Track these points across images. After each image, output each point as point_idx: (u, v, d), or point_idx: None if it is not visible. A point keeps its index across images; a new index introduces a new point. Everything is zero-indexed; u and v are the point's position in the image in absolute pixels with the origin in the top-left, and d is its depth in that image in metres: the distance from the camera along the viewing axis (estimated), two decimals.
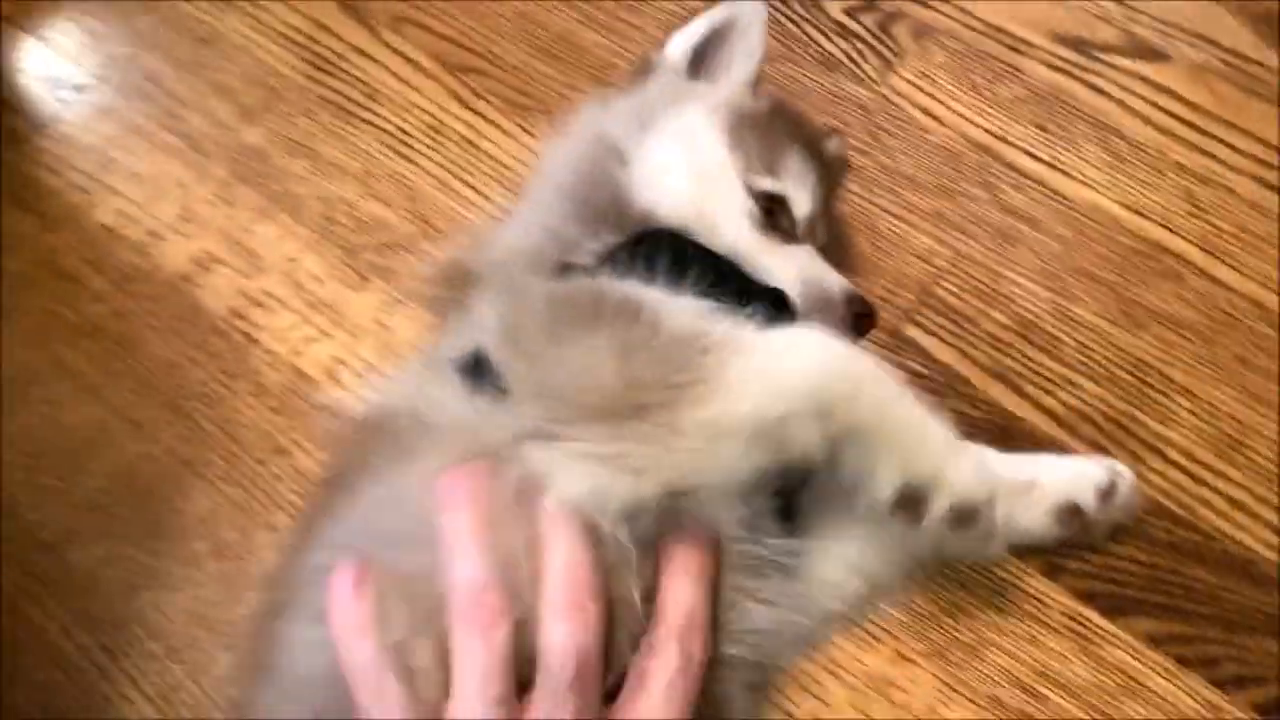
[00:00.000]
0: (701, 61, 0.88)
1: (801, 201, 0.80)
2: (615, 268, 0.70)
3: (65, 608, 0.85)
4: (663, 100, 0.83)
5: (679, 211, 0.76)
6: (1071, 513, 0.72)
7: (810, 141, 0.84)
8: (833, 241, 0.88)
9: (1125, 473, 0.75)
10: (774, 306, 0.71)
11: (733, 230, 0.77)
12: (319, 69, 1.07)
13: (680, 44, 0.88)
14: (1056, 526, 0.72)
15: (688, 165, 0.79)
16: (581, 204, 0.78)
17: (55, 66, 1.09)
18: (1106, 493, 0.73)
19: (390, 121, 1.04)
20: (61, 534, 0.87)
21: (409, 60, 1.07)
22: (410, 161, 1.02)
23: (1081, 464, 0.75)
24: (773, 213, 0.78)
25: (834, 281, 0.77)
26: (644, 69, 0.89)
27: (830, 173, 0.87)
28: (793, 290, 0.74)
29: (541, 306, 0.66)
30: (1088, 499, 0.72)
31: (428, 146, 1.03)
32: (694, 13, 0.95)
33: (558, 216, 0.78)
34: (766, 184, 0.79)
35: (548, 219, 0.78)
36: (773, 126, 0.82)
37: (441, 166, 1.02)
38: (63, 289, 0.97)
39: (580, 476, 0.59)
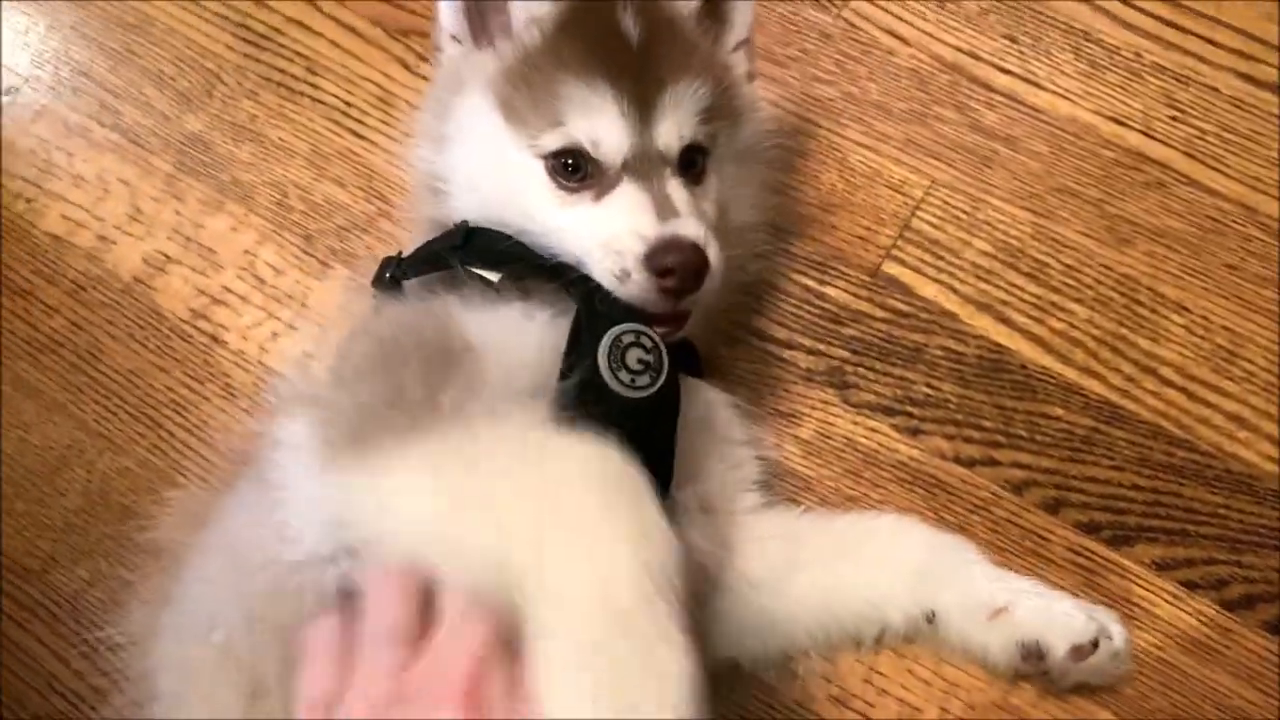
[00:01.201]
0: (481, 13, 0.76)
1: (602, 135, 0.68)
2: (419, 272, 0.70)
3: (56, 634, 0.83)
4: (448, 98, 0.75)
5: (487, 219, 0.72)
6: (1035, 654, 0.71)
7: (607, 33, 0.70)
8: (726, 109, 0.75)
9: (1118, 636, 0.72)
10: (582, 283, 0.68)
11: (532, 210, 0.70)
12: (256, 45, 1.03)
13: (445, 8, 0.76)
14: (1017, 660, 0.71)
15: (476, 175, 0.73)
16: (431, 226, 0.76)
17: None
18: (1081, 650, 0.70)
19: (335, 95, 1.00)
20: (44, 559, 0.86)
21: (347, 27, 1.03)
22: (360, 137, 0.98)
23: (1072, 609, 0.72)
24: (576, 165, 0.69)
25: (633, 242, 0.66)
26: (435, 46, 0.80)
27: (668, 42, 0.72)
28: (588, 263, 0.68)
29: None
30: (1057, 649, 0.70)
31: (378, 120, 0.99)
32: None
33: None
34: (550, 140, 0.69)
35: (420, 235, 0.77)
36: (545, 62, 0.70)
37: (394, 140, 0.98)
38: (16, 304, 0.94)
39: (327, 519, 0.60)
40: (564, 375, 0.63)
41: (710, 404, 0.75)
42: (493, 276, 0.68)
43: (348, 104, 1.00)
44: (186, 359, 0.91)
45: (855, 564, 0.74)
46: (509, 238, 0.71)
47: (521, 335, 0.66)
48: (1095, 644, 0.70)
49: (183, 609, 0.65)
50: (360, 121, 0.99)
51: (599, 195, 0.69)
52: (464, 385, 0.59)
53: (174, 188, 0.97)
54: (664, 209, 0.67)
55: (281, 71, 1.01)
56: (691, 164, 0.72)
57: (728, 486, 0.75)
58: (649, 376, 0.64)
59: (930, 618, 0.73)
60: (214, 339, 0.92)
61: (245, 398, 0.89)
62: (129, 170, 0.98)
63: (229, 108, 1.00)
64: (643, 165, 0.69)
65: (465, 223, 0.72)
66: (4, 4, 1.07)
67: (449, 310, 0.66)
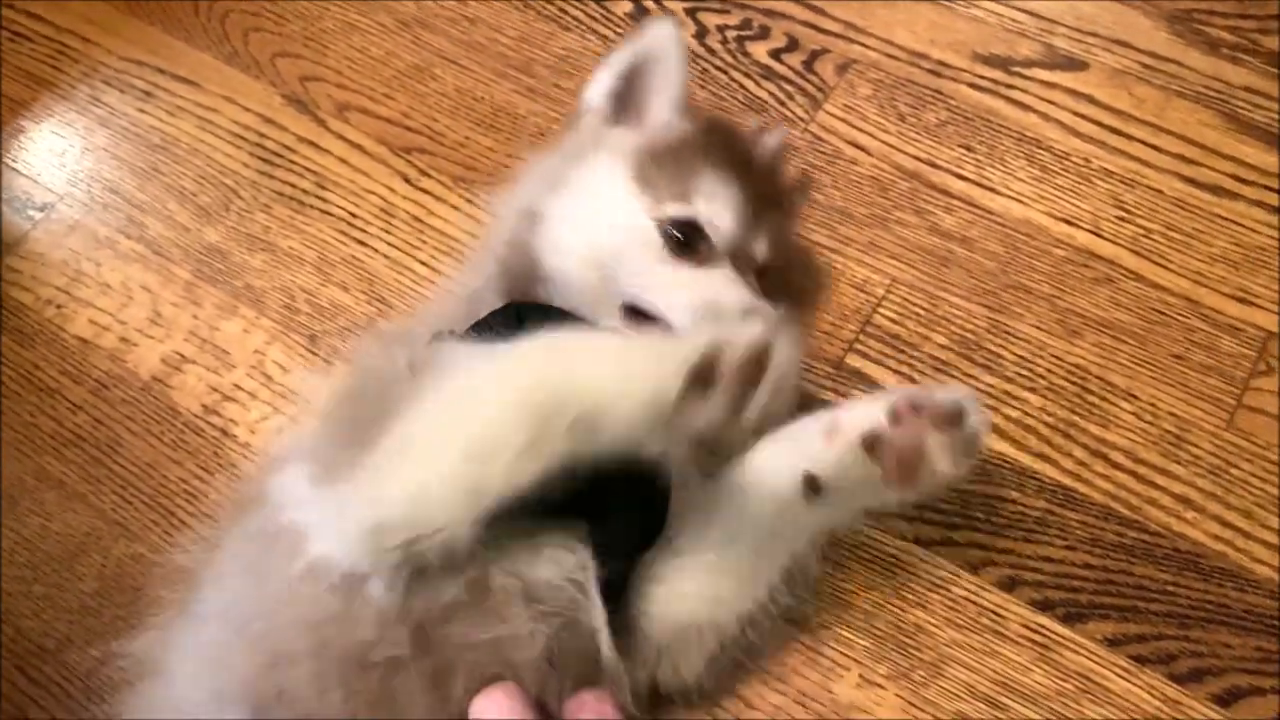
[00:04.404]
0: (626, 100, 0.87)
1: (719, 219, 0.77)
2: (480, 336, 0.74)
3: (69, 711, 0.88)
4: (577, 154, 0.84)
5: (579, 268, 0.78)
6: (873, 443, 0.69)
7: (738, 157, 0.81)
8: (790, 263, 0.84)
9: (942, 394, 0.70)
10: None
11: (631, 270, 0.77)
12: (270, 163, 1.12)
13: (597, 88, 0.87)
14: (867, 462, 0.70)
15: (588, 218, 0.80)
16: (505, 272, 0.82)
17: (21, 187, 1.14)
18: (898, 416, 0.69)
19: (342, 208, 1.09)
20: (60, 639, 0.91)
21: (355, 146, 1.12)
22: (364, 245, 1.06)
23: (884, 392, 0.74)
24: (687, 238, 0.77)
25: (733, 304, 0.74)
26: (573, 119, 0.90)
27: (770, 186, 0.83)
28: (683, 319, 0.74)
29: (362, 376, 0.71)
30: (885, 429, 0.69)
31: (380, 229, 1.07)
32: None
33: (483, 285, 0.82)
34: (674, 210, 0.77)
35: (473, 287, 0.83)
36: (687, 152, 0.79)
37: (394, 247, 1.06)
38: (44, 402, 1.01)
39: (334, 527, 0.64)
40: None
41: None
42: None
43: (353, 215, 1.08)
44: (198, 451, 0.98)
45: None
46: (554, 313, 0.76)
47: None
48: (917, 408, 0.69)
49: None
50: (364, 231, 1.07)
51: (702, 264, 0.77)
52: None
53: (192, 294, 1.05)
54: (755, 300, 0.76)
55: (293, 186, 1.10)
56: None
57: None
58: None
59: (812, 484, 0.71)
60: (224, 433, 0.98)
61: (241, 477, 0.95)
62: (151, 278, 1.07)
63: (244, 220, 1.09)
64: (739, 260, 0.78)
65: (513, 305, 0.78)
66: (42, 127, 1.17)
67: (437, 347, 0.72)
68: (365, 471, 0.62)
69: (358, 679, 0.63)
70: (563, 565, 0.68)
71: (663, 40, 0.85)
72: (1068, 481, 0.91)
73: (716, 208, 0.77)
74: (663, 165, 0.79)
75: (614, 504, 0.69)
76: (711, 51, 1.15)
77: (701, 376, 0.57)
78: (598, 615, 0.68)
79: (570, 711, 0.64)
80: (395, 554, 0.62)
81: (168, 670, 0.71)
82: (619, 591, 0.71)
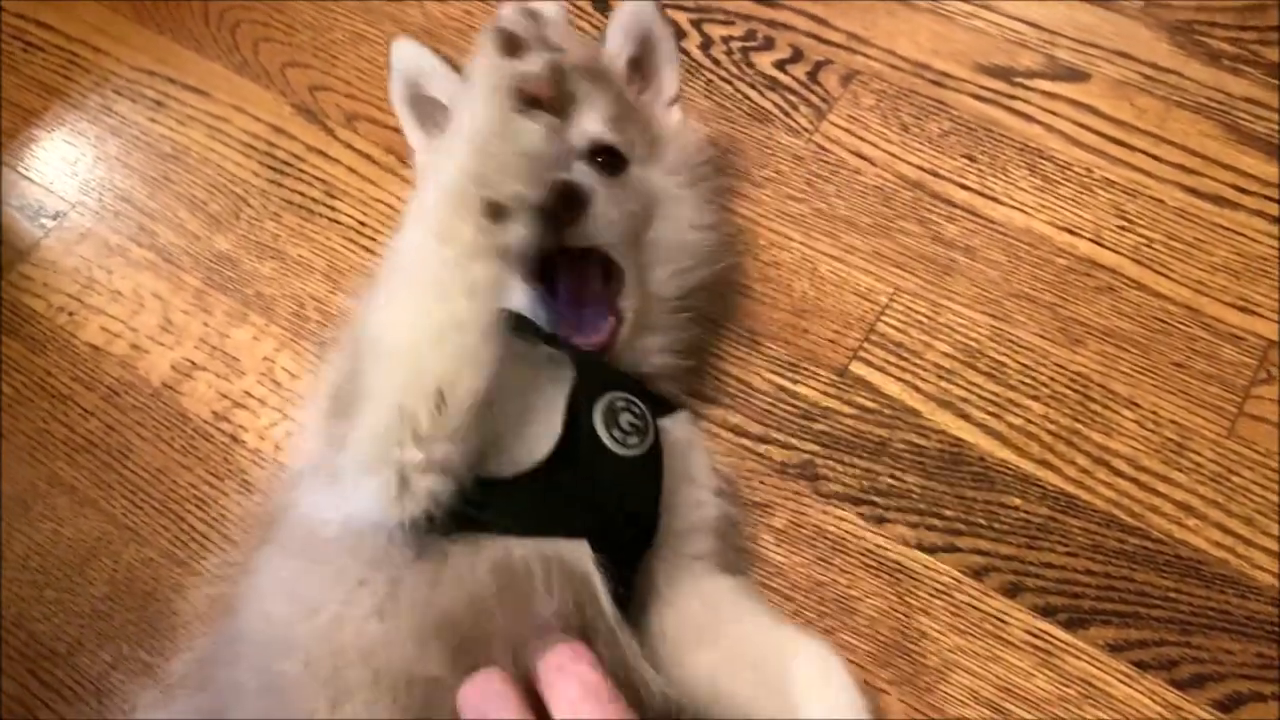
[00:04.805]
0: (426, 112, 0.94)
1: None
2: None
3: (79, 714, 0.89)
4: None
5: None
6: None
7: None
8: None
9: None
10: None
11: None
12: (280, 172, 1.13)
13: (407, 133, 0.96)
14: None
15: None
16: None
17: (34, 196, 1.15)
18: None
19: (351, 216, 1.10)
20: (71, 643, 0.92)
21: (363, 155, 1.13)
22: (373, 253, 1.07)
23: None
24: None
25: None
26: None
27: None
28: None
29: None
30: None
31: (388, 236, 1.08)
32: None
33: None
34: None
35: None
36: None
37: None
38: (56, 408, 1.03)
39: (350, 482, 0.65)
40: (564, 433, 0.70)
41: (684, 443, 0.81)
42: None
43: (362, 224, 1.09)
44: (208, 457, 0.99)
45: (758, 680, 0.73)
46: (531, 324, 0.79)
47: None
48: None
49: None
50: (373, 239, 1.08)
51: None
52: None
53: (203, 301, 1.07)
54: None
55: (302, 195, 1.11)
56: (606, 161, 0.84)
57: (684, 525, 0.78)
58: (638, 437, 0.73)
59: None
60: (233, 439, 0.99)
61: (260, 493, 0.96)
62: (162, 286, 1.08)
63: (254, 228, 1.10)
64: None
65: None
66: (55, 136, 1.19)
67: None
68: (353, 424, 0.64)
69: (404, 694, 0.63)
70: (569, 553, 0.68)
71: (401, 57, 0.93)
72: (1070, 489, 0.92)
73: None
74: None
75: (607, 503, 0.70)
76: (716, 62, 1.16)
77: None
78: (610, 612, 0.68)
79: (543, 667, 0.58)
80: (413, 499, 0.63)
81: (215, 688, 0.70)
82: (624, 597, 0.71)
